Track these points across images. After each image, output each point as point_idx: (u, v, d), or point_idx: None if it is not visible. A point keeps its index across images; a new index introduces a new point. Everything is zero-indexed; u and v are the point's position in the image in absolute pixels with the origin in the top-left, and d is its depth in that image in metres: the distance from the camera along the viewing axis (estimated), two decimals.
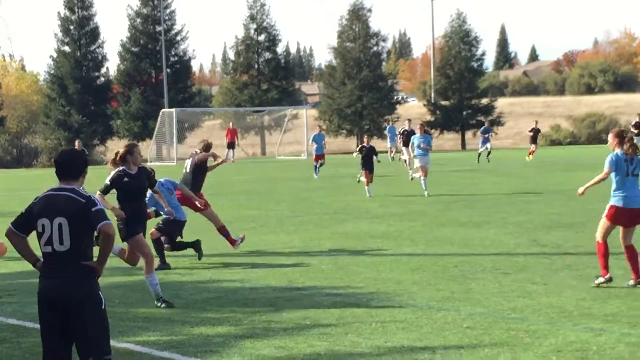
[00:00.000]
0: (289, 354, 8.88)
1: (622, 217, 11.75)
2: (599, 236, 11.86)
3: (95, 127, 73.20)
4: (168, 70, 73.56)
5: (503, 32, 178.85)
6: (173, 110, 62.63)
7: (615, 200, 11.79)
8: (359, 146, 27.06)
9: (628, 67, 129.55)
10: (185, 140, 69.98)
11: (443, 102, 77.86)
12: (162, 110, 64.93)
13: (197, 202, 15.55)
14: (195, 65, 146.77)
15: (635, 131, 42.25)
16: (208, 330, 10.05)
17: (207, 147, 16.73)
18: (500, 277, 12.75)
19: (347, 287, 12.42)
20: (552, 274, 12.88)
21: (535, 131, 46.76)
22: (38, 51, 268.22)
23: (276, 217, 21.90)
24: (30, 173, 54.94)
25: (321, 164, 36.48)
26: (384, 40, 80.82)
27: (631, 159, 11.75)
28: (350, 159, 52.44)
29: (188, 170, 16.35)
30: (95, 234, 6.67)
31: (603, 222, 11.89)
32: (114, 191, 12.02)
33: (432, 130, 67.79)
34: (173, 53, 76.37)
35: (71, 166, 6.85)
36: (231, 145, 52.48)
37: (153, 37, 75.82)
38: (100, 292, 6.72)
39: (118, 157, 11.95)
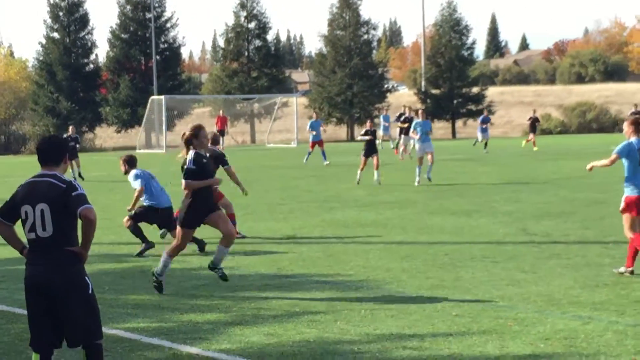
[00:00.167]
0: (278, 340, 8.90)
1: (637, 205, 11.65)
2: (627, 232, 11.72)
3: (84, 114, 72.91)
4: (157, 57, 73.31)
5: (494, 21, 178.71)
6: (162, 97, 62.46)
7: (629, 190, 11.69)
8: (365, 130, 27.10)
9: (618, 56, 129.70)
10: (175, 127, 69.85)
11: (433, 91, 77.78)
12: (152, 97, 64.76)
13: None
14: (185, 53, 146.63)
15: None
16: (197, 317, 10.08)
17: (214, 139, 16.81)
18: (490, 266, 12.80)
19: (337, 275, 12.45)
20: (540, 263, 12.93)
21: (534, 120, 47.03)
22: (27, 37, 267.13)
23: (265, 204, 21.91)
24: (18, 160, 54.78)
25: (322, 151, 36.39)
26: (374, 29, 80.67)
27: None
28: (340, 147, 52.57)
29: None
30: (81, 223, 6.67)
31: (626, 217, 11.75)
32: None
33: None
34: (163, 40, 76.12)
35: (52, 152, 6.87)
36: (221, 133, 52.39)
37: (143, 24, 75.58)
38: (86, 277, 6.73)
39: (184, 141, 11.54)
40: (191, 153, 11.35)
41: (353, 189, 25.09)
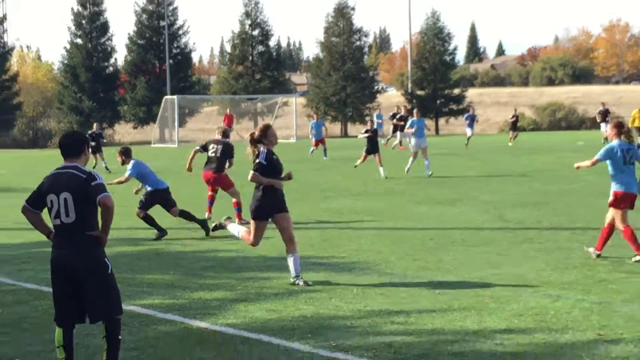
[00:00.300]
0: (278, 316, 8.90)
1: (623, 200, 11.55)
2: (619, 224, 11.55)
3: (104, 112, 72.93)
4: (170, 61, 73.23)
5: (473, 29, 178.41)
6: (175, 97, 62.38)
7: (616, 186, 11.59)
8: (365, 129, 27.04)
9: (585, 61, 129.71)
10: (186, 124, 69.92)
11: (419, 92, 77.79)
12: (165, 97, 64.70)
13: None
14: (195, 57, 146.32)
15: (600, 118, 42.51)
16: (206, 294, 10.07)
17: (224, 133, 16.90)
18: (469, 249, 12.81)
19: (331, 257, 12.45)
20: (515, 247, 12.94)
21: (516, 118, 47.22)
22: (53, 43, 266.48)
23: None
24: (45, 153, 54.67)
25: (324, 148, 36.19)
26: (365, 36, 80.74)
27: (628, 149, 11.60)
28: (335, 142, 52.42)
29: (218, 154, 16.49)
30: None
31: (614, 212, 11.62)
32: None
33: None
34: (175, 45, 76.00)
35: (73, 146, 6.86)
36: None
37: (157, 31, 75.49)
38: (106, 259, 6.73)
39: (252, 139, 10.84)
40: (264, 149, 10.72)
41: (347, 180, 25.07)
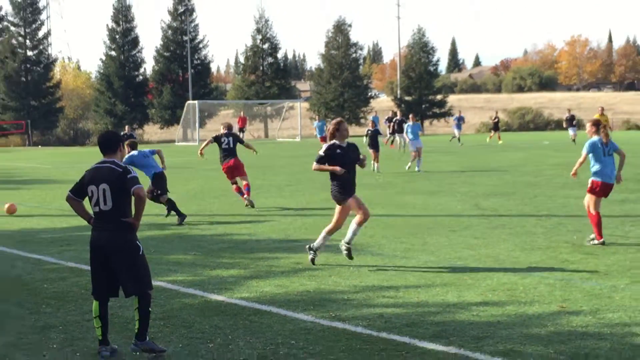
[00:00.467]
0: (285, 290, 8.92)
1: (600, 189, 11.48)
2: (592, 209, 11.45)
3: (135, 115, 73.01)
4: (192, 70, 73.23)
5: (453, 43, 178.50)
6: (196, 102, 62.39)
7: (595, 177, 11.47)
8: (367, 130, 27.05)
9: (550, 71, 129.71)
10: (205, 125, 69.86)
11: (407, 98, 77.84)
12: (187, 102, 64.70)
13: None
14: (213, 67, 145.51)
15: (568, 123, 42.49)
16: (223, 272, 10.08)
17: (228, 127, 17.18)
18: (449, 234, 12.81)
19: (331, 240, 12.39)
20: (489, 231, 12.94)
21: (497, 119, 47.30)
22: (90, 55, 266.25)
23: (276, 185, 21.90)
24: (84, 150, 54.69)
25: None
26: (360, 49, 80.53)
27: (606, 143, 11.55)
28: None
29: (232, 145, 16.99)
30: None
31: (589, 197, 11.52)
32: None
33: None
34: (196, 57, 75.89)
35: (110, 144, 6.85)
36: (241, 130, 52.76)
37: (180, 45, 75.36)
38: (137, 242, 6.73)
39: (328, 134, 10.46)
40: (327, 144, 10.35)
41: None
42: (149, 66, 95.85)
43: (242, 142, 17.47)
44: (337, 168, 10.11)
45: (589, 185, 11.58)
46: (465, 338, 6.87)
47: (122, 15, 74.52)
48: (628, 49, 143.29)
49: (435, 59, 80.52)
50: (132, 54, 74.93)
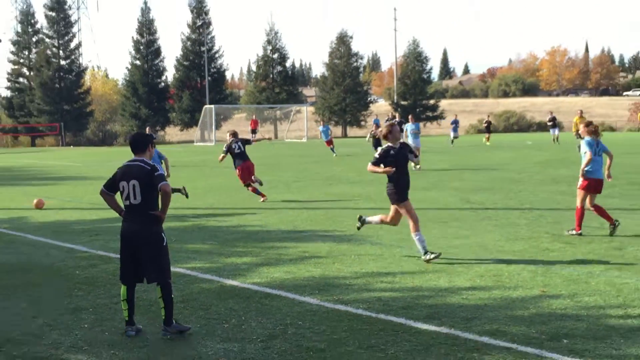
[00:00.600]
0: (293, 276, 8.92)
1: (591, 185, 11.39)
2: (578, 203, 11.39)
3: (158, 118, 73.08)
4: (209, 78, 73.26)
5: (445, 53, 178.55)
6: (212, 106, 62.42)
7: (586, 175, 11.34)
8: (371, 131, 27.14)
9: (532, 78, 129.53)
10: (221, 127, 69.91)
11: (403, 102, 77.80)
12: (205, 106, 64.74)
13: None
14: (228, 75, 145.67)
15: (550, 124, 42.32)
16: (237, 260, 10.08)
17: (234, 134, 17.14)
18: (441, 225, 12.79)
19: (335, 231, 12.44)
20: (477, 223, 12.91)
21: (489, 122, 47.21)
22: (117, 64, 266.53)
23: (284, 181, 21.89)
24: (112, 150, 54.75)
25: (331, 147, 35.67)
26: (361, 58, 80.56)
27: (597, 143, 11.46)
28: (336, 142, 52.22)
29: (243, 148, 16.97)
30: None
31: (579, 192, 11.43)
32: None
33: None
34: (213, 66, 75.90)
35: (139, 143, 6.85)
36: (253, 132, 52.84)
37: (198, 55, 75.39)
38: (162, 233, 6.73)
39: (382, 136, 10.08)
40: (383, 147, 10.00)
41: (346, 171, 25.02)
42: (170, 74, 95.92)
43: (250, 142, 17.51)
44: (388, 169, 9.73)
45: (581, 183, 11.47)
46: (456, 319, 6.87)
47: (146, 28, 74.60)
48: (603, 58, 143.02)
49: (428, 67, 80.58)
50: (154, 63, 74.96)
